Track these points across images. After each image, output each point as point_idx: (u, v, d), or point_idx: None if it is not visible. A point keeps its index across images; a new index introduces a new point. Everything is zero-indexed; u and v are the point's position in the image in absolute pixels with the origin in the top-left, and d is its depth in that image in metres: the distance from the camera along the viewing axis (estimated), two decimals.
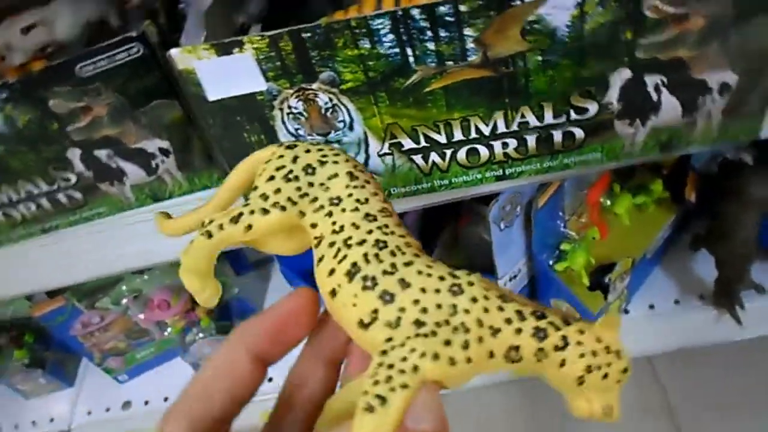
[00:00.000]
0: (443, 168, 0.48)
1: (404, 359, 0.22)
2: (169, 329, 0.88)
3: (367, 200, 0.27)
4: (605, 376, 0.24)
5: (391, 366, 0.22)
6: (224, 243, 0.27)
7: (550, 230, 0.74)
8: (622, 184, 0.82)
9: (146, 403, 0.94)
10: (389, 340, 0.23)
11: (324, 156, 0.28)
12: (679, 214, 0.83)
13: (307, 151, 0.28)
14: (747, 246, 0.73)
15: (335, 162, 0.28)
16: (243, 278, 0.98)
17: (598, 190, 0.77)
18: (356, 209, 0.26)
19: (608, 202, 0.80)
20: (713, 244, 0.76)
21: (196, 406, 0.24)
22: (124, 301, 0.84)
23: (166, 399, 0.93)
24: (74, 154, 0.55)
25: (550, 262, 0.75)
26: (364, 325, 0.23)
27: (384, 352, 0.22)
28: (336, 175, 0.27)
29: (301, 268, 0.83)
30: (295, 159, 0.28)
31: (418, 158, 0.47)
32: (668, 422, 0.90)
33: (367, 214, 0.26)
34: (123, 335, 0.90)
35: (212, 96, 0.44)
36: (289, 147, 0.29)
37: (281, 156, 0.28)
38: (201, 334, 0.86)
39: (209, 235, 0.27)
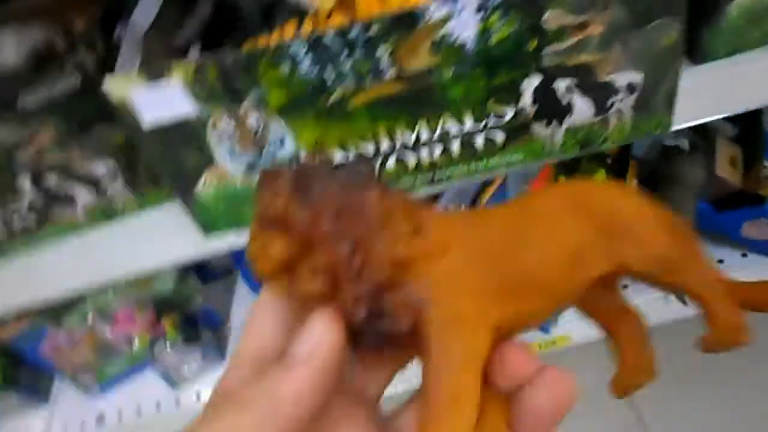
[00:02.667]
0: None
1: None
2: (136, 343, 0.90)
3: None
4: None
5: None
6: None
7: None
8: (567, 175, 0.85)
9: (120, 416, 0.95)
10: None
11: None
12: None
13: None
14: None
15: None
16: (208, 288, 0.99)
17: (541, 183, 0.79)
18: None
19: None
20: None
21: None
22: (90, 317, 0.86)
23: (139, 411, 0.94)
24: (24, 181, 0.57)
25: None
26: None
27: None
28: None
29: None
30: None
31: None
32: (625, 403, 0.93)
33: None
34: (92, 351, 0.91)
35: (147, 122, 0.46)
36: None
37: None
38: (168, 346, 0.87)
39: None
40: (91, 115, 0.54)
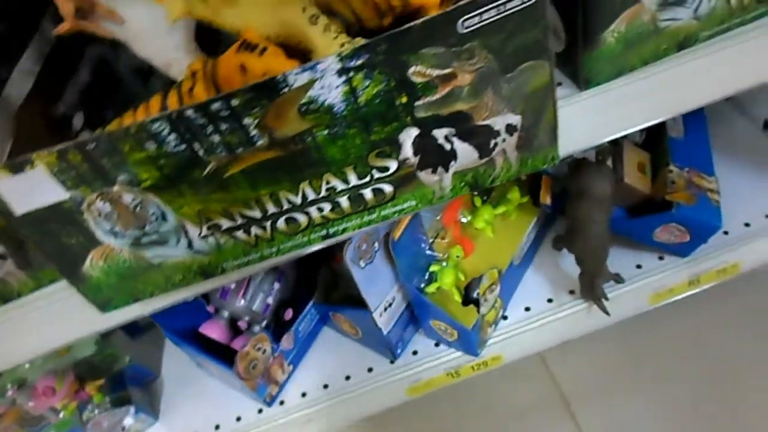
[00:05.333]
0: (267, 238, 0.49)
1: None
2: (61, 412, 0.86)
3: None
4: None
5: None
6: None
7: (416, 255, 0.77)
8: (483, 197, 0.85)
9: None
10: None
11: None
12: (540, 216, 0.87)
13: None
14: (600, 241, 0.77)
15: None
16: (137, 342, 0.97)
17: (451, 212, 0.80)
18: None
19: (468, 219, 0.83)
20: (570, 242, 0.80)
21: None
22: (9, 392, 0.82)
23: None
24: None
25: (422, 285, 0.78)
26: None
27: None
28: None
29: (180, 328, 0.83)
30: None
31: (239, 234, 0.48)
32: (563, 410, 0.94)
33: None
34: (17, 425, 0.87)
35: (19, 210, 0.44)
36: None
37: None
38: (97, 410, 0.85)
39: None
40: None
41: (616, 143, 0.87)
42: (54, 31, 0.55)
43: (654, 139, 0.88)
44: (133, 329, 0.98)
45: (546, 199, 0.83)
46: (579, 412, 0.93)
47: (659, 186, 0.83)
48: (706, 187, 0.83)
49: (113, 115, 0.55)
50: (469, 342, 0.79)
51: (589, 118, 0.55)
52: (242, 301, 0.82)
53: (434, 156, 0.47)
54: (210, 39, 0.48)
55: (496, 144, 0.48)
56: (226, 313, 0.83)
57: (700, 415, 0.90)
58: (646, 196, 0.83)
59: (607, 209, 0.77)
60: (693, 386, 0.92)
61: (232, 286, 0.82)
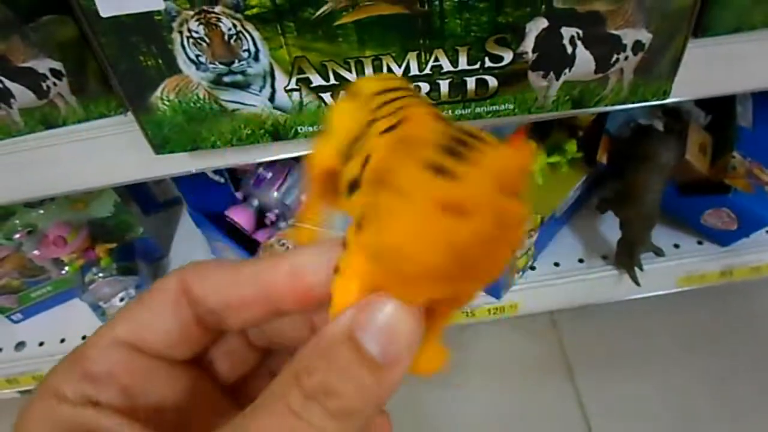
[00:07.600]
0: None
1: None
2: (66, 267, 0.83)
3: None
4: None
5: None
6: None
7: None
8: (538, 143, 0.82)
9: (41, 344, 0.89)
10: None
11: None
12: (590, 175, 0.84)
13: None
14: (652, 209, 0.75)
15: None
16: (150, 218, 0.94)
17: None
18: None
19: None
20: (620, 206, 0.78)
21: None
22: (17, 236, 0.79)
23: (62, 340, 0.88)
24: None
25: None
26: None
27: None
28: None
29: (208, 210, 0.80)
30: None
31: (327, 96, 0.45)
32: (564, 377, 0.93)
33: None
34: (17, 272, 0.84)
35: (105, 12, 0.40)
36: None
37: None
38: (101, 274, 0.82)
39: None
40: (40, 2, 0.48)
41: (681, 119, 0.85)
42: None
43: (719, 124, 0.86)
44: (147, 205, 0.95)
45: (603, 157, 0.80)
46: (579, 382, 0.92)
47: (718, 170, 0.80)
48: (765, 180, 0.80)
49: None
50: (496, 283, 0.77)
51: (697, 69, 0.52)
52: (276, 194, 0.79)
53: (552, 57, 0.43)
54: None
55: (617, 60, 0.45)
56: (255, 202, 0.80)
57: (695, 406, 0.89)
58: (701, 177, 0.80)
59: (665, 180, 0.75)
60: (696, 379, 0.91)
61: (269, 175, 0.79)
